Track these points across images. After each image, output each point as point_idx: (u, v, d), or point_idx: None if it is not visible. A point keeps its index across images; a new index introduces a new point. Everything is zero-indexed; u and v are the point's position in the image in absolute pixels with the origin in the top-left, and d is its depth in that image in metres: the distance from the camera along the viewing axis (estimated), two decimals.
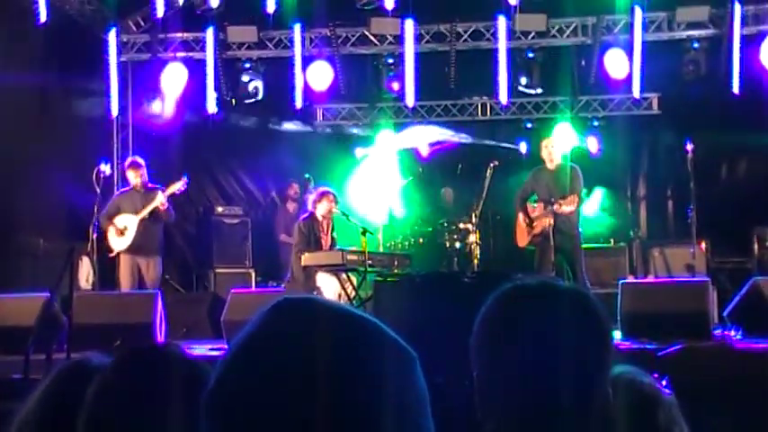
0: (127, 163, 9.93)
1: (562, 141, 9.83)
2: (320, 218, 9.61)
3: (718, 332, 7.42)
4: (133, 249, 9.44)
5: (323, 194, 9.68)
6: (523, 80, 11.49)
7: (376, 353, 1.02)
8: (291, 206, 12.02)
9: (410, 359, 1.05)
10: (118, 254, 9.50)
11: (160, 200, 9.42)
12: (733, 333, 7.38)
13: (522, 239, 9.32)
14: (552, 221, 8.81)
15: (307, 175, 11.71)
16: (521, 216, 9.31)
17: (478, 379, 1.46)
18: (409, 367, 1.05)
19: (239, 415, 0.98)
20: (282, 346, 0.99)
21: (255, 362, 1.00)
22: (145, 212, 9.43)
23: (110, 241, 9.46)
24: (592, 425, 1.41)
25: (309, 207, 9.81)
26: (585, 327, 1.46)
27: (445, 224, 11.51)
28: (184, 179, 9.68)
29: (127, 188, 9.86)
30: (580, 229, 9.16)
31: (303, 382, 0.96)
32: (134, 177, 9.60)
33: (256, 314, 1.06)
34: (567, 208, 8.73)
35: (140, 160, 9.77)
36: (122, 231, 9.42)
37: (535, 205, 9.28)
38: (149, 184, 9.66)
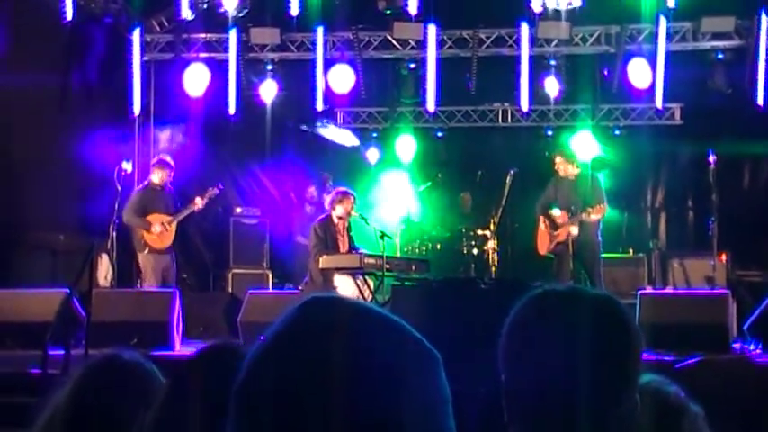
0: (156, 160, 9.98)
1: (580, 151, 9.85)
2: (336, 219, 9.57)
3: (737, 345, 7.36)
4: (161, 248, 9.56)
5: (342, 195, 9.62)
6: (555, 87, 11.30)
7: (400, 353, 1.03)
8: (309, 208, 12.03)
9: (434, 360, 1.06)
10: (136, 253, 9.59)
11: (202, 204, 9.74)
12: (752, 347, 7.32)
13: (543, 247, 9.33)
14: (576, 231, 8.86)
15: (325, 174, 11.70)
16: (543, 223, 9.31)
17: (506, 382, 1.46)
18: (433, 368, 1.06)
19: (265, 408, 1.00)
20: (309, 343, 1.01)
21: (283, 357, 1.01)
22: (185, 214, 9.72)
23: (146, 239, 9.53)
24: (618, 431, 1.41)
25: (327, 207, 9.77)
26: (615, 333, 1.45)
27: (463, 230, 11.50)
28: (219, 185, 9.96)
29: (144, 185, 9.89)
30: (600, 239, 9.16)
31: (328, 379, 0.97)
32: (165, 176, 9.71)
33: (285, 311, 1.07)
34: (594, 216, 8.81)
35: (170, 160, 9.87)
36: (165, 228, 9.53)
37: (556, 211, 9.28)
38: (169, 186, 9.79)
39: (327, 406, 0.96)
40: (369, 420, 0.97)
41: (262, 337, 1.07)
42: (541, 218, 9.38)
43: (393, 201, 12.27)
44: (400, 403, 0.99)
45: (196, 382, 1.66)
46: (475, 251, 11.22)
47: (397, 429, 0.98)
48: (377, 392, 0.98)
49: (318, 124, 13.42)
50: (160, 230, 9.51)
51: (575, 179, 9.22)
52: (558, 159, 9.46)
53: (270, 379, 1.00)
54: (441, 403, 1.04)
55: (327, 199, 9.88)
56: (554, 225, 9.21)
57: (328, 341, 1.00)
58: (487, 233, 10.70)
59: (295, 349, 1.01)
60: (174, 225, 9.62)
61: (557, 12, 10.98)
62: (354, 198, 9.70)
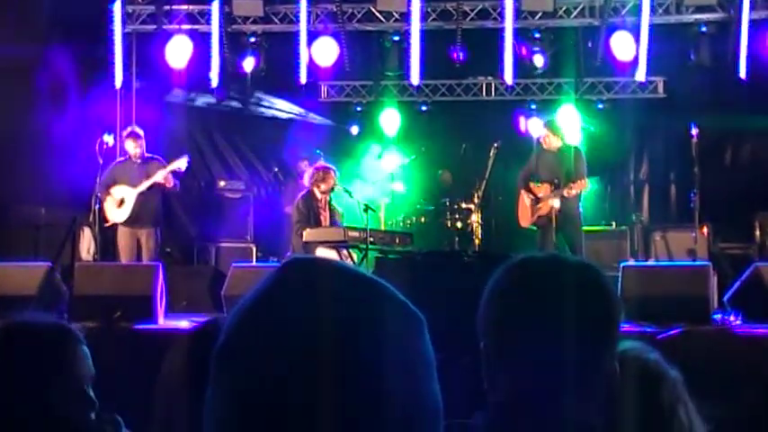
0: (126, 132, 9.88)
1: (563, 125, 9.85)
2: (319, 195, 9.56)
3: (718, 317, 7.43)
4: (132, 221, 9.45)
5: (324, 171, 9.59)
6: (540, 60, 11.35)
7: (383, 312, 1.02)
8: (301, 182, 11.97)
9: (418, 321, 1.05)
10: (116, 225, 9.51)
11: (162, 176, 9.41)
12: (733, 318, 7.38)
13: (525, 219, 9.36)
14: (558, 204, 8.89)
15: (317, 151, 11.64)
16: (524, 195, 9.33)
17: (485, 349, 1.47)
18: (416, 329, 1.05)
19: (247, 369, 0.98)
20: (290, 303, 1.00)
21: (264, 318, 1.01)
22: (143, 186, 9.42)
23: (106, 211, 9.46)
24: (598, 398, 1.42)
25: (306, 183, 9.74)
26: (594, 300, 1.46)
27: (447, 203, 11.51)
28: (186, 158, 9.66)
29: (123, 158, 9.83)
30: (580, 210, 9.23)
31: (309, 339, 0.97)
32: (133, 148, 9.58)
33: (267, 274, 1.06)
34: (575, 191, 8.84)
35: (140, 131, 9.74)
36: (120, 203, 9.42)
37: (539, 185, 9.30)
38: (146, 155, 9.65)
39: (308, 367, 0.95)
40: (350, 380, 0.96)
41: (240, 301, 1.06)
42: (523, 191, 9.39)
43: (377, 174, 12.26)
44: (382, 363, 0.98)
45: (194, 355, 1.66)
46: (459, 224, 11.24)
47: (379, 390, 0.97)
48: (358, 352, 0.97)
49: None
50: (113, 203, 9.38)
51: (557, 152, 9.23)
52: (543, 131, 9.44)
53: (250, 341, 0.99)
54: (424, 365, 1.04)
55: (306, 175, 9.81)
56: (536, 199, 9.23)
57: (309, 301, 0.99)
58: (471, 206, 10.72)
59: (276, 310, 1.00)
60: (132, 197, 9.39)
61: None
62: (335, 173, 9.68)
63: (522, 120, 12.35)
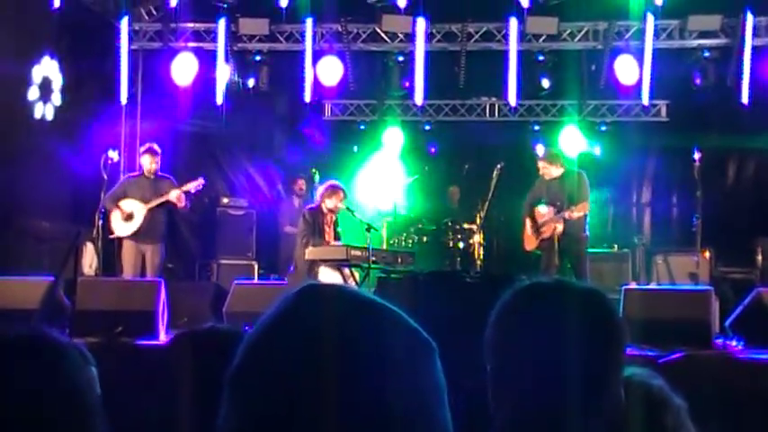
0: (144, 148, 9.91)
1: (565, 149, 9.90)
2: (326, 210, 9.59)
3: (719, 341, 7.41)
4: (138, 236, 9.47)
5: (333, 189, 9.63)
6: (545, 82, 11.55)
7: (395, 341, 1.03)
8: (296, 201, 12.03)
9: (429, 348, 1.07)
10: (120, 239, 9.52)
11: (176, 195, 9.46)
12: (734, 343, 7.37)
13: (530, 243, 9.39)
14: (561, 227, 8.92)
15: (312, 170, 11.69)
16: (528, 223, 9.37)
17: (492, 372, 1.48)
18: (427, 356, 1.06)
19: (259, 396, 1.00)
20: (304, 331, 1.02)
21: (279, 343, 1.02)
22: (155, 203, 9.47)
23: (112, 224, 9.47)
24: (602, 423, 1.43)
25: (317, 199, 9.77)
26: (599, 325, 1.47)
27: (449, 223, 11.52)
28: (201, 180, 9.72)
29: (136, 173, 9.88)
30: (587, 234, 9.23)
31: (322, 367, 0.98)
32: (149, 163, 9.61)
33: (279, 298, 1.08)
34: (577, 215, 8.87)
35: (157, 148, 9.78)
36: (129, 217, 9.44)
37: (543, 208, 9.32)
38: (160, 173, 9.70)
39: (321, 394, 0.97)
40: (363, 408, 0.98)
41: (246, 328, 1.08)
42: (527, 219, 9.43)
43: (380, 193, 12.28)
44: (394, 391, 0.99)
45: (185, 360, 1.68)
46: (461, 245, 11.25)
47: (390, 417, 0.98)
48: (371, 380, 0.99)
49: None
50: (120, 216, 9.40)
51: (560, 177, 9.28)
52: (540, 164, 9.50)
53: (264, 367, 1.01)
54: (435, 392, 1.05)
55: (318, 191, 9.87)
56: (537, 226, 9.28)
57: (322, 329, 1.01)
58: (474, 227, 10.74)
59: (290, 337, 1.02)
60: (142, 213, 9.43)
61: (544, 6, 11.00)
62: (344, 192, 9.71)
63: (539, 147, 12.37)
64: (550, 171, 9.36)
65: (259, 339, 1.04)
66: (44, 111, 10.20)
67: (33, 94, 10.04)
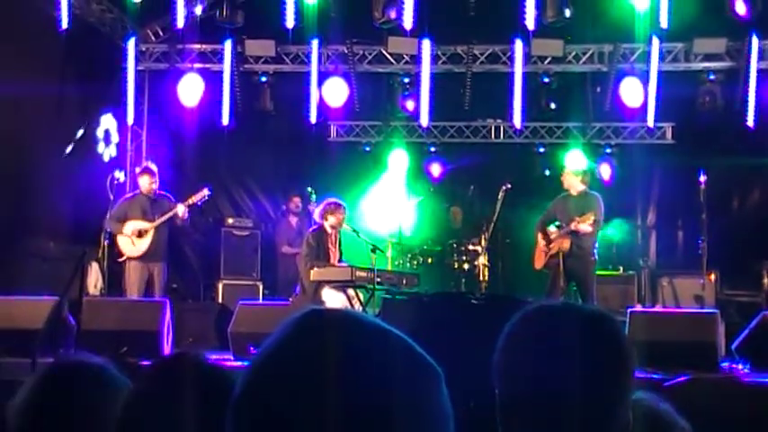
0: (140, 169, 9.95)
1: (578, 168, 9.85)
2: (329, 229, 9.55)
3: (725, 365, 7.38)
4: (147, 256, 9.46)
5: (334, 206, 9.59)
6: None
7: (400, 368, 1.02)
8: (293, 219, 12.01)
9: (434, 374, 1.06)
10: (126, 260, 9.52)
11: (181, 211, 9.46)
12: (740, 366, 7.33)
13: (539, 261, 9.32)
14: (569, 244, 8.84)
15: (309, 189, 11.68)
16: (539, 237, 9.30)
17: (500, 397, 1.47)
18: (432, 382, 1.05)
19: (262, 424, 0.99)
20: (310, 358, 1.01)
21: (283, 372, 1.01)
22: (160, 221, 9.47)
23: (121, 247, 9.48)
24: None
25: (317, 218, 9.73)
26: (608, 350, 1.47)
27: (454, 245, 11.51)
28: (206, 190, 9.72)
29: (132, 194, 9.87)
30: (596, 257, 9.15)
31: (326, 395, 0.97)
32: (148, 184, 9.61)
33: (282, 324, 1.07)
34: (582, 226, 8.76)
35: (154, 167, 9.79)
36: (139, 236, 9.42)
37: (553, 228, 9.29)
38: (159, 192, 9.71)
39: (324, 422, 0.96)
40: None
41: (252, 349, 1.07)
42: (539, 234, 9.36)
43: (384, 214, 12.28)
44: (399, 420, 0.98)
45: (163, 387, 1.68)
46: (466, 266, 11.24)
47: None
48: (375, 408, 0.98)
49: None
50: (128, 237, 9.43)
51: (577, 196, 9.18)
52: (567, 175, 9.36)
53: (267, 394, 1.00)
54: (441, 419, 1.04)
55: (318, 210, 9.82)
56: (548, 239, 9.22)
57: (326, 357, 1.00)
58: (478, 248, 10.74)
59: (292, 365, 1.01)
60: (150, 232, 9.45)
61: (549, 28, 11.03)
62: (345, 209, 9.67)
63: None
64: (575, 185, 9.20)
65: (262, 368, 1.03)
66: (52, 132, 10.24)
67: (41, 114, 10.09)
